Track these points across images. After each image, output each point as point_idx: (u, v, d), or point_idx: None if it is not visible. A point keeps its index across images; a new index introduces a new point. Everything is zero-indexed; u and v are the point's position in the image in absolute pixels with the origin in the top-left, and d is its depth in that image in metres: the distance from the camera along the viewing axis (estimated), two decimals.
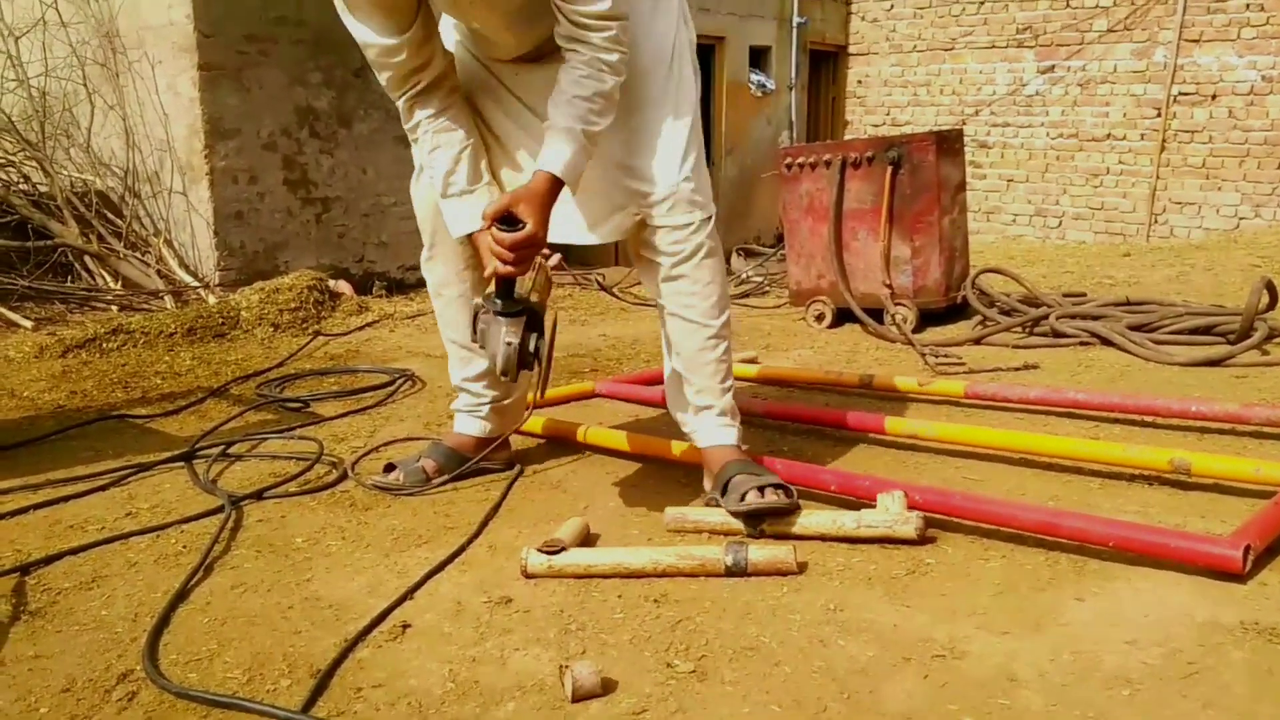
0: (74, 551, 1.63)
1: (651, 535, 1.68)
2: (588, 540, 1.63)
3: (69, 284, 4.41)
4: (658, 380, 2.71)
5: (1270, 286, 3.01)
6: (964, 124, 7.96)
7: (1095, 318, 3.28)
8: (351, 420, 2.46)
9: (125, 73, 4.71)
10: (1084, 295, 3.79)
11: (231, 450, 2.18)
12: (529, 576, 1.50)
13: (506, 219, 1.52)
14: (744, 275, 5.08)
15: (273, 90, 4.61)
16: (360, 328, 3.78)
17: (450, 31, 1.79)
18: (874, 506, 1.63)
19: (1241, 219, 7.00)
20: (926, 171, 3.58)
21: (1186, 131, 7.13)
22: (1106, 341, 3.10)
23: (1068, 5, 7.50)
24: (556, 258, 1.65)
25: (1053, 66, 7.64)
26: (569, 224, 1.72)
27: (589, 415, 2.43)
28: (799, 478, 1.79)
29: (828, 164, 3.76)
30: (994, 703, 1.15)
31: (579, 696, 1.17)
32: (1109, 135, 7.47)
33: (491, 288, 1.60)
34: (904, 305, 3.60)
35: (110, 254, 4.52)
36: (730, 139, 7.97)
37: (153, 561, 1.61)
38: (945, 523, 1.64)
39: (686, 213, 1.68)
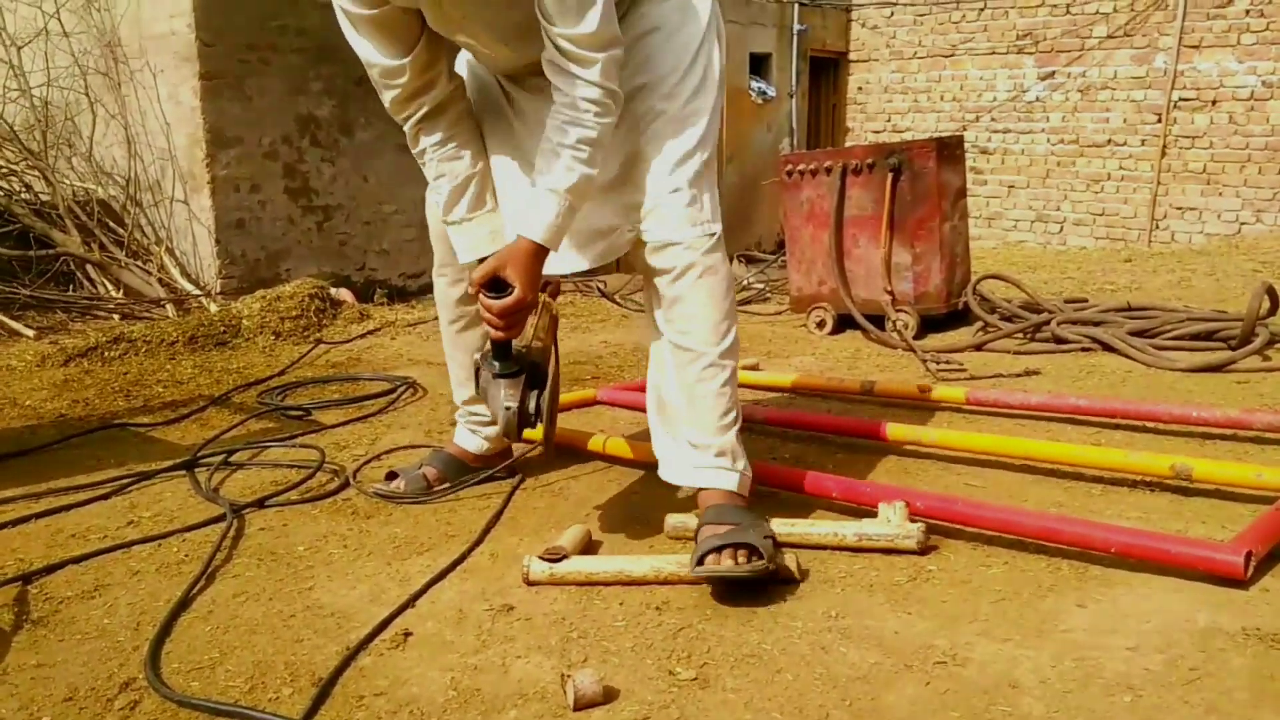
0: (76, 560, 1.63)
1: (653, 543, 1.67)
2: (589, 548, 1.63)
3: (71, 293, 4.42)
4: None
5: (1271, 292, 3.01)
6: (965, 130, 7.97)
7: (1097, 323, 3.28)
8: (353, 428, 2.47)
9: (127, 82, 4.72)
10: (1085, 301, 3.79)
11: (233, 458, 2.18)
12: (531, 584, 1.50)
13: (495, 284, 1.49)
14: (745, 282, 5.09)
15: (274, 99, 4.62)
16: (361, 335, 3.79)
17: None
18: (876, 514, 1.63)
19: (1243, 224, 7.00)
20: (927, 178, 3.58)
21: (1187, 137, 7.13)
22: (1108, 347, 3.10)
23: (1068, 12, 7.52)
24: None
25: (1053, 73, 7.65)
26: (562, 256, 1.62)
27: (590, 422, 2.44)
28: (800, 484, 1.79)
29: (828, 171, 3.76)
30: (996, 710, 1.15)
31: (581, 705, 1.17)
32: (1110, 141, 7.47)
33: (489, 346, 1.58)
34: (905, 311, 3.60)
35: (112, 263, 4.53)
36: (731, 146, 7.98)
37: (155, 570, 1.61)
38: (946, 529, 1.64)
39: (678, 227, 1.55)
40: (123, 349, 3.34)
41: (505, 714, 1.17)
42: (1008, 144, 7.99)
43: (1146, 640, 1.28)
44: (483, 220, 1.69)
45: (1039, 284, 4.52)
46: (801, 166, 3.85)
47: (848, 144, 8.58)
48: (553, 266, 1.61)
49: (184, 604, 1.47)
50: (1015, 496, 1.84)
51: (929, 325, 3.66)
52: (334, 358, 3.42)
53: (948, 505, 1.64)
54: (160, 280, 4.51)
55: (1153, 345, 3.04)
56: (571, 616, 1.40)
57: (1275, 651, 1.25)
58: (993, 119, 8.01)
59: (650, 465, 2.04)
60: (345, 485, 1.99)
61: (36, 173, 4.75)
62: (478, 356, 1.63)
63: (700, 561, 1.44)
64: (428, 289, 5.32)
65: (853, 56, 8.74)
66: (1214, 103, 6.99)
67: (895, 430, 2.12)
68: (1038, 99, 7.77)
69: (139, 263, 4.59)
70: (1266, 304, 2.98)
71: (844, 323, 3.77)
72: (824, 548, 1.60)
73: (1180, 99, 7.11)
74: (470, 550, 1.65)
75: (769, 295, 4.85)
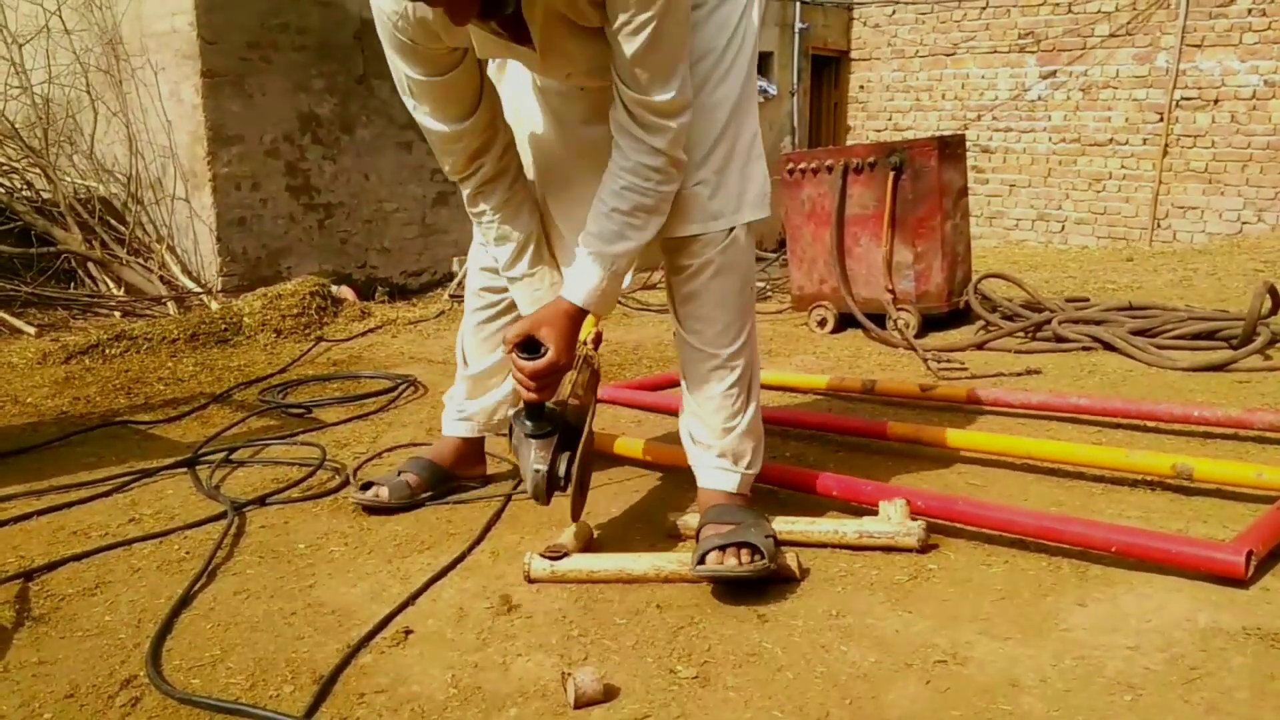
0: (77, 557, 1.63)
1: (654, 541, 1.68)
2: (590, 545, 1.63)
3: (72, 290, 4.42)
4: (660, 385, 2.71)
5: (1273, 291, 3.00)
6: (966, 129, 7.96)
7: (1098, 323, 3.28)
8: (354, 426, 2.47)
9: (128, 80, 4.72)
10: (1086, 300, 3.79)
11: (234, 456, 2.18)
12: (532, 582, 1.50)
13: (528, 344, 1.45)
14: None
15: (275, 97, 4.62)
16: (363, 333, 3.79)
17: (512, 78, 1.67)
18: (877, 512, 1.63)
19: (1244, 224, 6.99)
20: (929, 177, 3.58)
21: (1189, 136, 7.13)
22: (1109, 346, 3.10)
23: (1070, 10, 7.51)
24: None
25: (1055, 72, 7.65)
26: None
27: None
28: (802, 482, 1.79)
29: (830, 169, 3.76)
30: (996, 708, 1.15)
31: (581, 703, 1.17)
32: (1111, 140, 7.47)
33: (522, 404, 1.53)
34: (906, 310, 3.60)
35: (113, 260, 4.53)
36: None
37: (156, 567, 1.61)
38: (947, 528, 1.64)
39: (696, 222, 1.50)
40: (124, 346, 3.34)
41: (506, 712, 1.17)
42: (1009, 143, 7.98)
43: (1147, 639, 1.29)
44: (543, 274, 1.67)
45: (1040, 283, 4.51)
46: (803, 165, 3.85)
47: (849, 142, 8.58)
48: None
49: (185, 601, 1.47)
50: (1016, 495, 1.84)
51: (930, 324, 3.66)
52: (335, 356, 3.42)
53: (948, 504, 1.64)
54: (161, 278, 4.51)
55: (1154, 344, 3.04)
56: (572, 614, 1.41)
57: (1276, 651, 1.25)
58: (994, 118, 8.01)
59: (651, 463, 2.04)
60: (346, 483, 1.99)
61: (38, 170, 4.75)
62: (510, 412, 1.58)
63: (702, 560, 1.44)
64: (429, 287, 5.36)
65: (854, 55, 8.73)
66: (1216, 102, 6.98)
67: (896, 429, 2.12)
68: (1039, 98, 7.76)
69: (140, 260, 4.59)
70: (1268, 303, 2.97)
71: (845, 321, 3.77)
72: (825, 546, 1.60)
73: (1182, 98, 7.11)
74: (471, 548, 1.65)
75: (770, 294, 4.85)
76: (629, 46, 1.33)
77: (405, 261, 5.22)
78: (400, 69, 1.48)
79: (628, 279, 1.54)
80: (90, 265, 4.53)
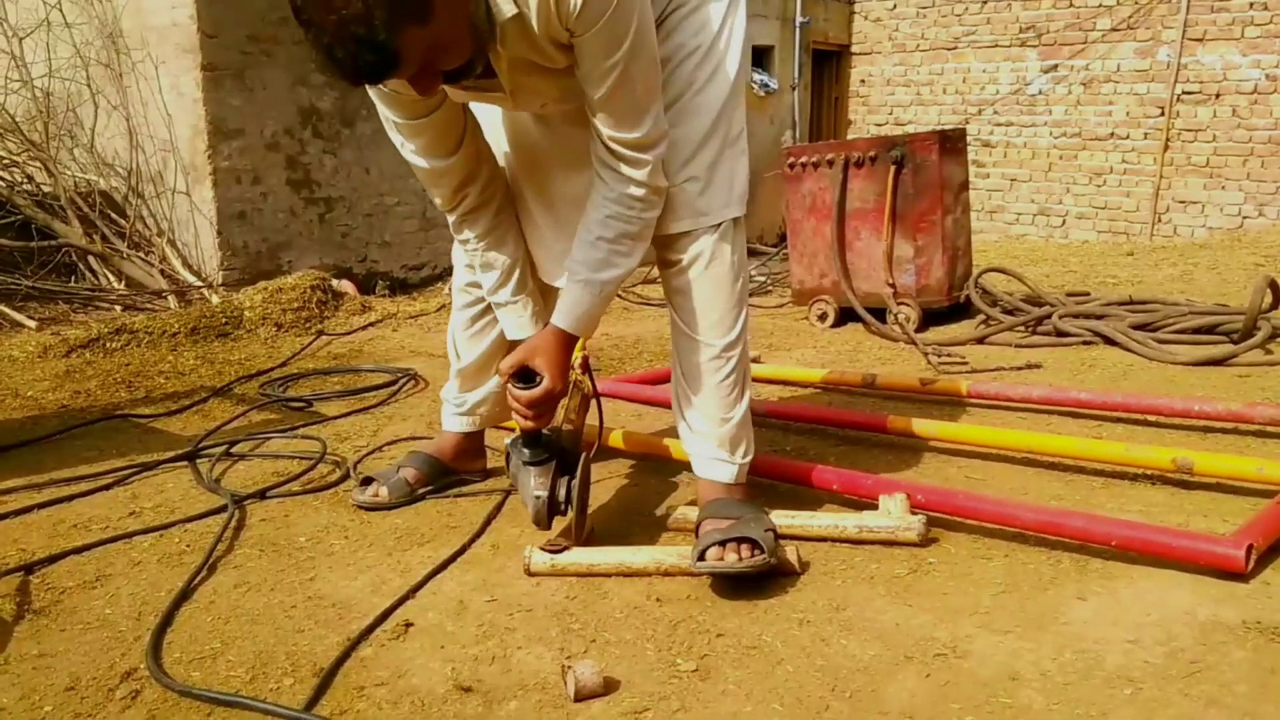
0: (78, 551, 1.64)
1: (654, 534, 1.68)
2: (590, 539, 1.63)
3: (73, 284, 4.42)
4: (660, 380, 2.71)
5: (1273, 285, 3.00)
6: (967, 123, 7.95)
7: (1098, 317, 3.27)
8: (355, 419, 2.47)
9: (129, 73, 4.72)
10: (1087, 294, 3.78)
11: (235, 450, 2.18)
12: (532, 575, 1.51)
13: (523, 374, 1.47)
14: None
15: (276, 90, 4.61)
16: (363, 327, 3.79)
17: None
18: (876, 506, 1.63)
19: (1245, 218, 6.98)
20: (929, 171, 3.57)
21: (1190, 130, 7.12)
22: (1109, 341, 3.10)
23: (1071, 4, 7.49)
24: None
25: (1056, 66, 7.63)
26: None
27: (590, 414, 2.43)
28: (802, 476, 1.80)
29: (830, 163, 3.76)
30: (996, 702, 1.15)
31: (581, 696, 1.17)
32: (1112, 134, 7.45)
33: (519, 432, 1.54)
34: (907, 304, 3.60)
35: (114, 254, 4.53)
36: None
37: (156, 560, 1.61)
38: (947, 522, 1.64)
39: (687, 218, 1.52)
40: (124, 340, 3.34)
41: (506, 705, 1.17)
42: (1010, 137, 7.97)
43: (1147, 633, 1.29)
44: (526, 302, 1.68)
45: (1040, 277, 4.51)
46: (804, 159, 3.84)
47: (850, 137, 8.56)
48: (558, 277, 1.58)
49: (185, 594, 1.47)
50: (1016, 489, 1.84)
51: (930, 318, 3.65)
52: (335, 349, 3.42)
53: (948, 498, 1.64)
54: (162, 271, 4.51)
55: (1154, 339, 3.04)
56: (572, 608, 1.41)
57: (1276, 645, 1.25)
58: (995, 112, 7.99)
59: (650, 457, 2.04)
60: (346, 477, 1.99)
61: (38, 164, 4.74)
62: (508, 442, 1.60)
63: (702, 556, 1.44)
64: (429, 281, 5.35)
65: (855, 49, 8.71)
66: (1217, 96, 6.97)
67: (896, 423, 2.12)
68: (1040, 92, 7.74)
69: (141, 254, 4.58)
70: (1268, 298, 2.97)
71: (846, 315, 3.77)
72: (824, 540, 1.60)
73: (1183, 92, 7.09)
74: (471, 541, 1.65)
75: (771, 288, 4.84)
76: (597, 90, 1.35)
77: (406, 255, 5.21)
78: (384, 112, 1.51)
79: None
80: (91, 259, 4.52)
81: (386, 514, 1.80)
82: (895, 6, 8.38)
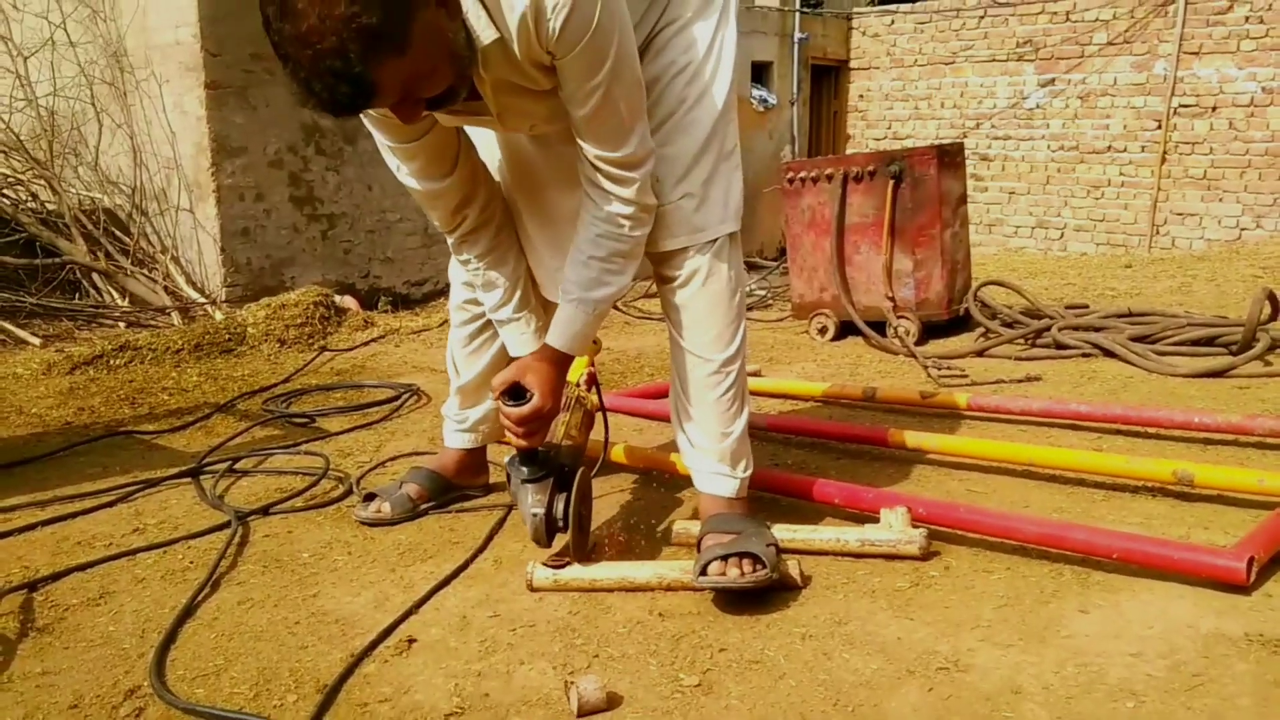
0: (81, 568, 1.64)
1: (657, 549, 1.68)
2: (592, 554, 1.63)
3: (77, 301, 4.44)
4: (661, 394, 2.72)
5: (1272, 297, 3.01)
6: (965, 137, 7.98)
7: (1097, 329, 3.28)
8: (357, 435, 2.47)
9: (133, 91, 4.75)
10: (1086, 307, 3.79)
11: (238, 466, 2.19)
12: (534, 590, 1.51)
13: (515, 391, 1.47)
14: (748, 288, 5.11)
15: (279, 108, 4.64)
16: (366, 343, 3.80)
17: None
18: (878, 520, 1.63)
19: (1243, 230, 7.00)
20: (928, 185, 3.59)
21: (1187, 143, 7.15)
22: (1109, 353, 3.10)
23: (1067, 19, 7.54)
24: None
25: (1053, 80, 7.67)
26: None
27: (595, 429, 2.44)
28: (803, 490, 1.80)
29: (829, 178, 3.77)
30: (998, 716, 1.15)
31: (584, 711, 1.17)
32: (1110, 147, 7.49)
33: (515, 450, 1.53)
34: (906, 318, 3.61)
35: (118, 271, 4.55)
36: None
37: (160, 577, 1.61)
38: (949, 535, 1.65)
39: (683, 234, 1.53)
40: (128, 357, 3.35)
41: None
42: (1008, 151, 8.00)
43: (1149, 646, 1.29)
44: (529, 319, 1.69)
45: (1040, 290, 4.52)
46: (803, 174, 3.86)
47: (849, 151, 8.60)
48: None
49: (189, 611, 1.47)
50: (1017, 502, 1.85)
51: (930, 331, 3.66)
52: (338, 365, 3.43)
53: (950, 511, 1.64)
54: (166, 288, 4.53)
55: (1154, 351, 3.04)
56: (575, 623, 1.41)
57: (1278, 657, 1.25)
58: (993, 126, 8.03)
59: (651, 472, 2.04)
60: (349, 492, 2.00)
61: (43, 182, 4.77)
62: (507, 460, 1.59)
63: (704, 571, 1.44)
64: (432, 296, 5.37)
65: (853, 64, 8.77)
66: (1214, 109, 7.00)
67: (897, 436, 2.12)
68: (1038, 106, 7.78)
69: (144, 271, 4.61)
70: (1267, 309, 2.98)
71: (846, 329, 3.78)
72: (826, 554, 1.60)
73: (1180, 105, 7.13)
74: (474, 557, 1.65)
75: (771, 301, 4.85)
76: (580, 110, 1.36)
77: (408, 271, 5.23)
78: (378, 136, 1.52)
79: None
80: (95, 276, 4.54)
81: (389, 530, 1.80)
82: (893, 22, 8.44)
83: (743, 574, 1.42)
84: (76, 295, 4.51)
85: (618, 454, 2.08)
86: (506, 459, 1.61)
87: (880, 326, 3.64)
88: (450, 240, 1.68)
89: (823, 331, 3.82)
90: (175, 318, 4.29)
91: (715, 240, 1.55)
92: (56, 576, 1.61)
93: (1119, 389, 2.75)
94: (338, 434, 2.48)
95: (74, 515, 1.90)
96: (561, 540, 1.56)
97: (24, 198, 4.73)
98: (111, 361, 3.31)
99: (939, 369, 3.03)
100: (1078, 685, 1.20)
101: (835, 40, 8.66)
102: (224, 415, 2.70)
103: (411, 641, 1.36)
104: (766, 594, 1.46)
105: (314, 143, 4.82)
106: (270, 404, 2.79)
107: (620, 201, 1.43)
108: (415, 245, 5.22)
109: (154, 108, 4.65)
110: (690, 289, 1.56)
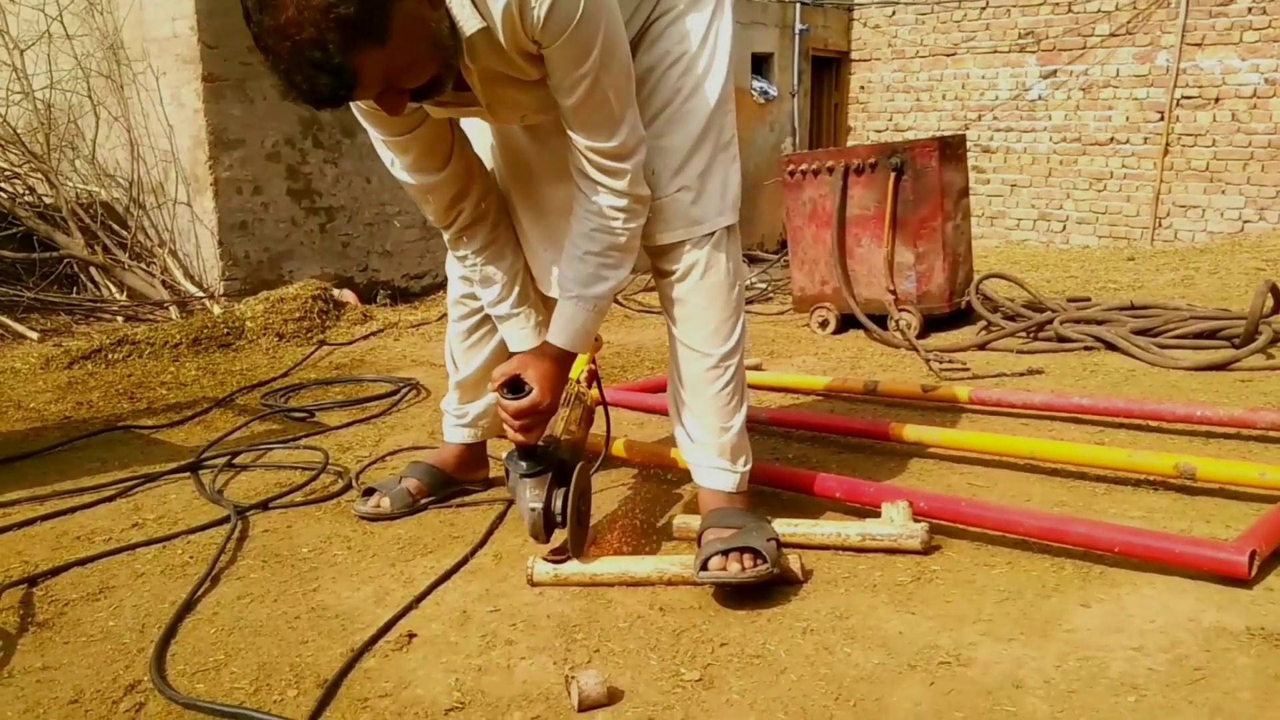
0: (81, 563, 1.64)
1: (657, 543, 1.68)
2: (592, 549, 1.63)
3: (74, 295, 4.42)
4: (661, 387, 2.71)
5: (1274, 290, 3.00)
6: (967, 129, 7.96)
7: (1100, 322, 3.27)
8: (356, 429, 2.47)
9: (130, 84, 4.73)
10: (1088, 300, 3.79)
11: (237, 460, 2.19)
12: (534, 585, 1.51)
13: (514, 384, 1.46)
14: (748, 282, 5.09)
15: (276, 101, 4.62)
16: (364, 337, 3.79)
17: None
18: (879, 514, 1.63)
19: (1246, 222, 6.98)
20: (929, 177, 3.58)
21: (1190, 135, 7.12)
22: (1111, 346, 3.10)
23: (1070, 10, 7.51)
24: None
25: (1055, 71, 7.64)
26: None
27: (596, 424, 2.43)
28: (804, 484, 1.79)
29: (830, 170, 3.76)
30: (1000, 709, 1.15)
31: (585, 706, 1.17)
32: (1112, 139, 7.46)
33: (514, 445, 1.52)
34: (908, 311, 3.60)
35: (115, 265, 4.53)
36: None
37: (159, 572, 1.61)
38: (950, 529, 1.64)
39: (681, 228, 1.51)
40: (126, 351, 3.35)
41: (509, 715, 1.17)
42: (1010, 143, 7.98)
43: (1151, 640, 1.28)
44: (528, 314, 1.68)
45: (1042, 283, 4.51)
46: (804, 166, 3.85)
47: (850, 143, 8.57)
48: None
49: (189, 606, 1.47)
50: (1019, 496, 1.84)
51: (932, 324, 3.66)
52: (337, 359, 3.42)
53: (951, 505, 1.64)
54: (163, 282, 4.52)
55: (1156, 344, 3.04)
56: (575, 617, 1.41)
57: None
58: (995, 118, 8.00)
59: (652, 466, 2.04)
60: (349, 487, 1.99)
61: (40, 175, 4.76)
62: (505, 455, 1.58)
63: (704, 566, 1.44)
64: (430, 290, 5.36)
65: (855, 56, 8.73)
66: (1217, 100, 6.98)
67: (899, 430, 2.12)
68: (1040, 97, 7.75)
69: (142, 265, 4.59)
70: (1270, 302, 2.97)
71: (847, 322, 3.77)
72: (827, 548, 1.60)
73: (1183, 97, 7.10)
74: (474, 551, 1.65)
75: (772, 295, 4.85)
76: (569, 100, 1.35)
77: (407, 265, 5.22)
78: (371, 130, 1.51)
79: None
80: (92, 270, 4.53)
81: (389, 524, 1.80)
82: (894, 13, 8.40)
83: (743, 569, 1.41)
84: (74, 289, 4.50)
85: (618, 449, 2.07)
86: (505, 454, 1.60)
87: (882, 320, 3.63)
88: (446, 236, 1.67)
89: (824, 325, 3.81)
90: (173, 312, 4.28)
91: (713, 233, 1.53)
92: (56, 571, 1.60)
93: (1121, 382, 2.75)
94: (337, 428, 2.47)
95: (73, 510, 1.89)
96: (560, 535, 1.55)
97: (21, 191, 4.71)
98: (109, 356, 3.31)
99: (940, 362, 3.02)
100: (1079, 679, 1.20)
101: (836, 31, 8.62)
102: (223, 410, 2.69)
103: (411, 636, 1.36)
104: (767, 589, 1.45)
105: (312, 135, 4.80)
106: (269, 398, 2.78)
107: (612, 193, 1.42)
108: (414, 238, 5.20)
109: (151, 101, 4.63)
110: (688, 283, 1.54)
